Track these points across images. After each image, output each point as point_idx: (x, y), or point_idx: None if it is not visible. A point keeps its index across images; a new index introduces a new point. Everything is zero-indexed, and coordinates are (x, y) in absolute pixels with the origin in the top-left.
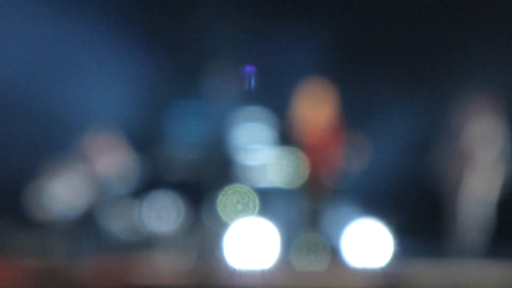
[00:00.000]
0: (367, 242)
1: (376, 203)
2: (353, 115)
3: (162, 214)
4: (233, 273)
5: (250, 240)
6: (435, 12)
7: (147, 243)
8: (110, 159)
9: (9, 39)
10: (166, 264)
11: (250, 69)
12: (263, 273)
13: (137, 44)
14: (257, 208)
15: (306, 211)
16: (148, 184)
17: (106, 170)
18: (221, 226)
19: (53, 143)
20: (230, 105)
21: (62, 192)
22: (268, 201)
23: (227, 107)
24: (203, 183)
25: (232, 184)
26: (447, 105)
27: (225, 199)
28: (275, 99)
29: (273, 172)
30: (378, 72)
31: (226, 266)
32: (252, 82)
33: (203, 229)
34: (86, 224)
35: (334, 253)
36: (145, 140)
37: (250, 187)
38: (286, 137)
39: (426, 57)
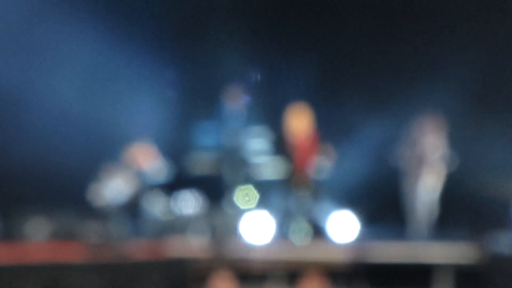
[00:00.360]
0: (343, 224)
1: (349, 197)
2: (333, 128)
3: (191, 203)
4: (244, 247)
5: (257, 223)
6: (402, 52)
7: (179, 225)
8: (152, 162)
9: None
10: (194, 241)
11: (252, 95)
12: (267, 246)
13: (171, 76)
14: (262, 199)
15: (297, 201)
16: (180, 180)
17: (148, 170)
18: (235, 212)
19: (108, 151)
20: (240, 122)
21: (115, 188)
22: (270, 194)
23: (238, 123)
24: (222, 179)
25: (243, 180)
26: (406, 122)
27: (238, 192)
28: (271, 118)
29: (273, 171)
30: (353, 97)
31: (239, 242)
32: (255, 105)
33: (221, 214)
34: (133, 211)
35: (318, 232)
36: (179, 147)
37: (256, 183)
38: (280, 145)
39: (392, 88)
